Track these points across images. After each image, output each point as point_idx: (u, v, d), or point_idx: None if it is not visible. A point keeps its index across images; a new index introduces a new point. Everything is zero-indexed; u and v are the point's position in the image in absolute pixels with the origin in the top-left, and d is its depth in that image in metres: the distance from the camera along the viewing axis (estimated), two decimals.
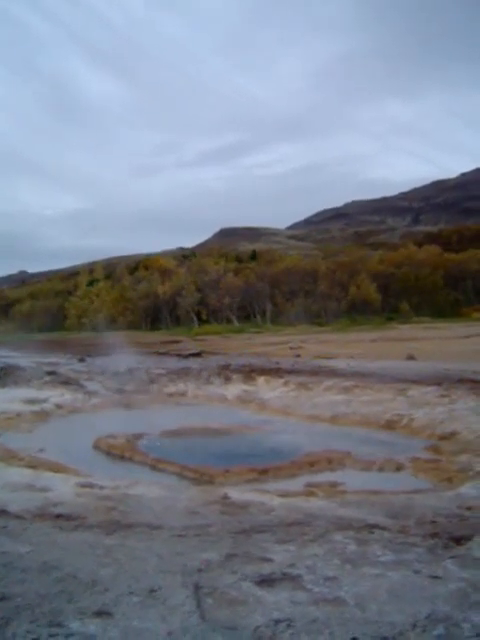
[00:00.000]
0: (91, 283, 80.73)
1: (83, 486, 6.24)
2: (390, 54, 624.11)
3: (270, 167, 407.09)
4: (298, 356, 24.42)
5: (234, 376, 17.13)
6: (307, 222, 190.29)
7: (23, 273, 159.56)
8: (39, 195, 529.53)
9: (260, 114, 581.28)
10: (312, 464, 8.55)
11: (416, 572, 3.31)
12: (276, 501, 5.66)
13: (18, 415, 12.41)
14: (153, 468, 8.66)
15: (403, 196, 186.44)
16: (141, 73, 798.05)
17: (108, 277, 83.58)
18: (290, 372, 16.98)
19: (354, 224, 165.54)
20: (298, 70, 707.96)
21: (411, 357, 20.99)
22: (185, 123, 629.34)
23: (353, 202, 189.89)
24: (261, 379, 16.56)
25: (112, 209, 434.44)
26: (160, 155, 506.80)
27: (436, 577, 3.22)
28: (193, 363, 20.78)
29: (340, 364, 18.79)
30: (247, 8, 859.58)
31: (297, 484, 7.47)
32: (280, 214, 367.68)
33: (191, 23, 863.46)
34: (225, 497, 5.70)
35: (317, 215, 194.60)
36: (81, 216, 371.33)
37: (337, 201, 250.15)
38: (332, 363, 19.43)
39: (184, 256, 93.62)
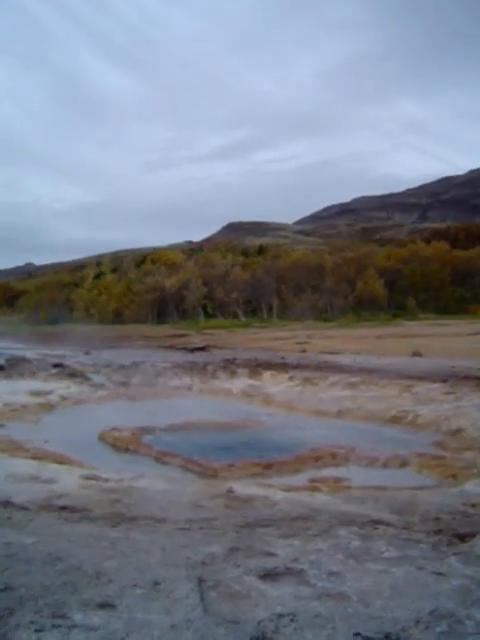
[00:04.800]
0: (98, 276, 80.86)
1: (88, 478, 6.26)
2: (402, 54, 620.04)
3: (281, 163, 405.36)
4: (304, 351, 24.41)
5: (240, 370, 17.15)
6: (314, 217, 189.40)
7: (30, 265, 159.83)
8: (48, 188, 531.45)
9: (272, 111, 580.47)
10: (316, 459, 8.55)
11: (420, 568, 3.30)
12: (280, 496, 5.66)
13: (23, 407, 12.47)
14: (158, 461, 8.68)
15: (411, 192, 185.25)
16: (154, 68, 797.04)
17: (115, 270, 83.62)
18: (296, 367, 16.98)
19: (361, 220, 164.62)
20: (311, 69, 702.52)
21: (417, 354, 20.95)
22: (197, 119, 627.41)
23: (360, 198, 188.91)
24: (267, 374, 16.57)
25: (121, 203, 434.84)
26: (171, 150, 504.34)
27: (440, 574, 3.22)
28: (199, 357, 20.82)
29: (346, 360, 18.79)
30: (262, 8, 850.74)
31: (301, 479, 7.47)
32: (288, 209, 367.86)
33: (206, 21, 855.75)
34: (229, 491, 5.71)
35: (324, 210, 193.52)
36: (89, 209, 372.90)
37: (345, 197, 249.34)
38: (338, 359, 19.42)
39: (191, 250, 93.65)
